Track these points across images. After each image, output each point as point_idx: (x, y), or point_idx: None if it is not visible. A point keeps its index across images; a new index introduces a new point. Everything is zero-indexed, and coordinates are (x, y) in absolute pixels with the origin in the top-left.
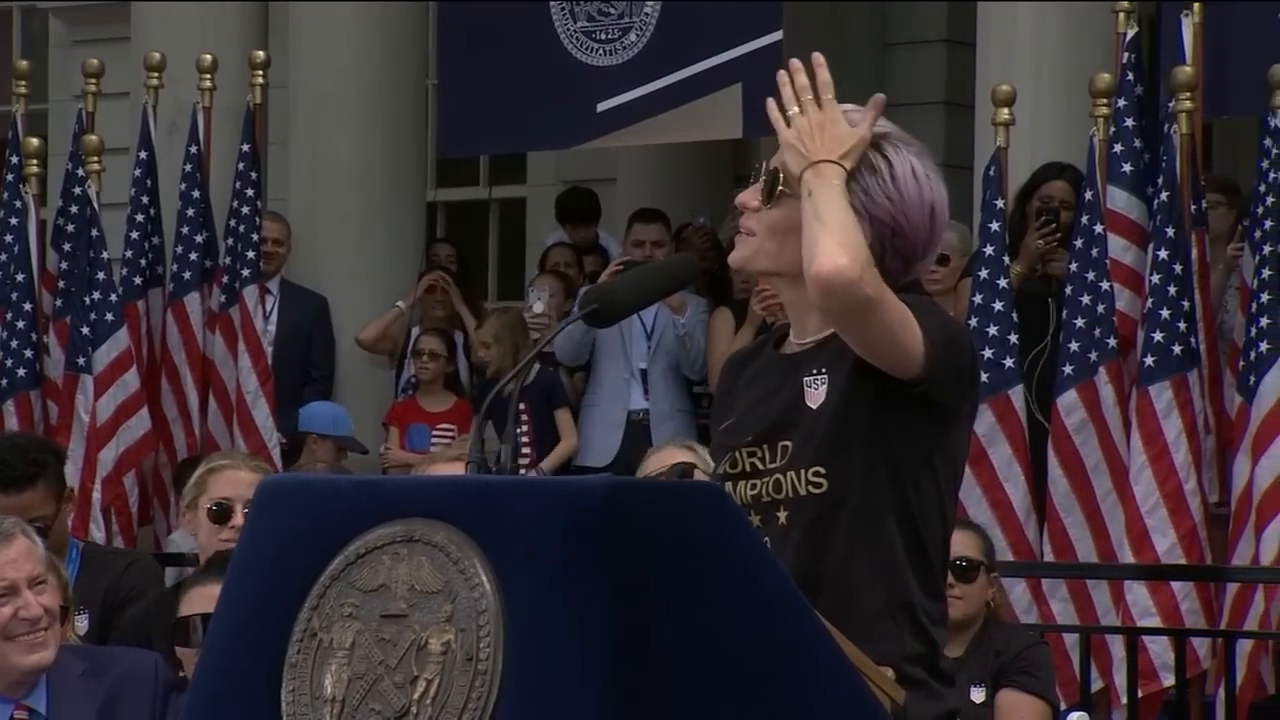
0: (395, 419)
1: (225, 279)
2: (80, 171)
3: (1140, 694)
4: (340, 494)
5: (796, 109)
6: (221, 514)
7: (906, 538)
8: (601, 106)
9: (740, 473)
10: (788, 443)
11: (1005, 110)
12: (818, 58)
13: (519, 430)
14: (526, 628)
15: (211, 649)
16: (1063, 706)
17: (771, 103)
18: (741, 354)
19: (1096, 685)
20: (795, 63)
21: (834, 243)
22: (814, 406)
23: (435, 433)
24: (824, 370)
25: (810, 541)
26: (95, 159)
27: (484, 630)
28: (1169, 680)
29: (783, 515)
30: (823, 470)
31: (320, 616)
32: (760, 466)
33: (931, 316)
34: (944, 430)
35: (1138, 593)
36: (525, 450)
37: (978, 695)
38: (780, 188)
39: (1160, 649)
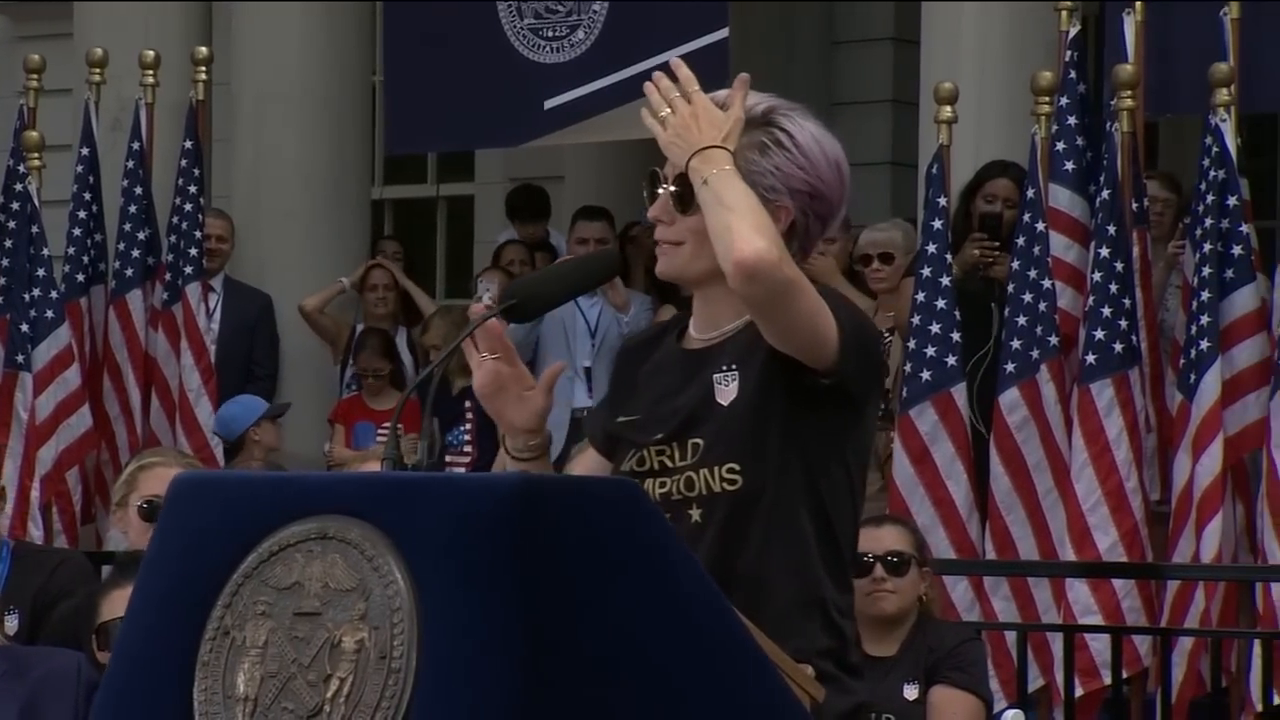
0: (340, 416)
1: (168, 276)
2: (21, 168)
3: (1081, 692)
4: (254, 490)
5: (667, 110)
6: (152, 512)
7: (819, 531)
8: (549, 104)
9: (648, 470)
10: (698, 440)
11: (948, 108)
12: (675, 61)
13: (463, 429)
14: (440, 625)
15: (123, 648)
16: (1002, 705)
17: (645, 112)
18: (636, 341)
19: (1038, 683)
20: (658, 73)
21: (748, 227)
22: (724, 404)
23: (380, 430)
24: (733, 366)
25: (725, 538)
26: (35, 155)
27: (397, 628)
28: (1109, 678)
29: (696, 513)
30: (736, 467)
31: (233, 614)
32: (669, 464)
33: (840, 306)
34: (855, 421)
35: (1079, 590)
36: (468, 448)
37: (911, 692)
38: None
39: (1101, 646)
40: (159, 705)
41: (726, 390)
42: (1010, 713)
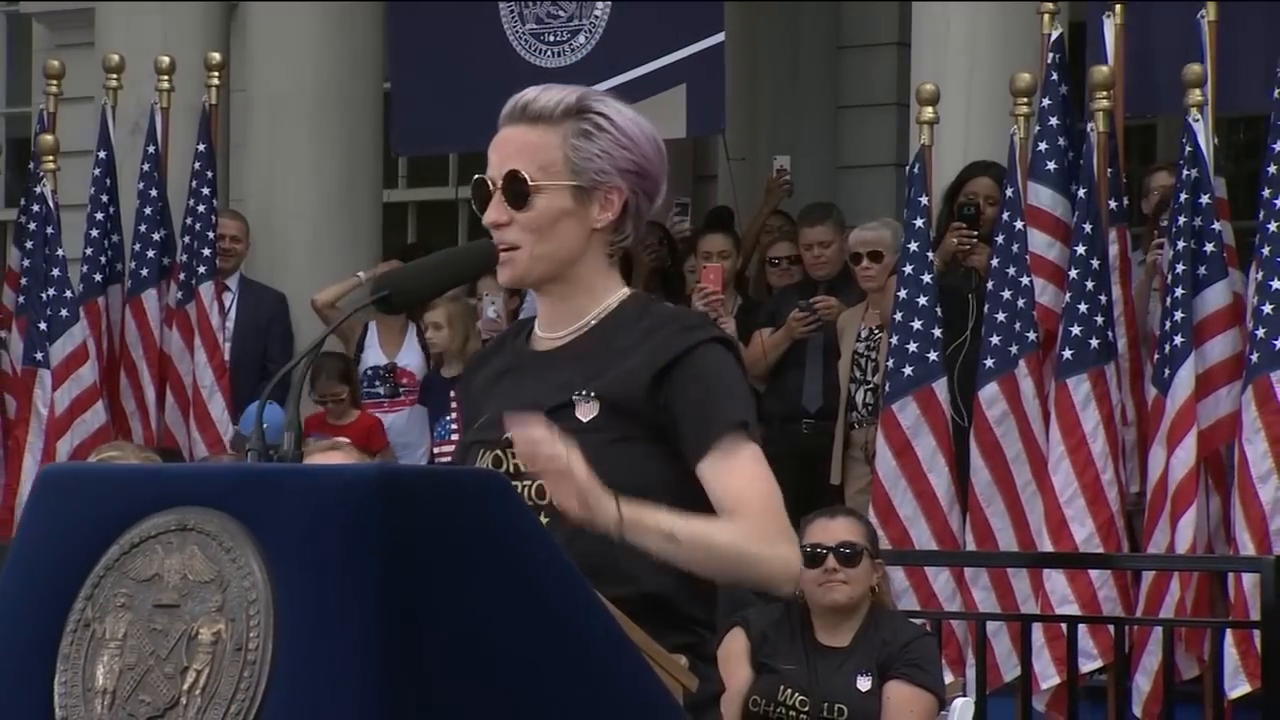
0: (306, 429)
1: (182, 276)
2: (40, 171)
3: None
4: (120, 483)
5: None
6: None
7: None
8: None
9: (504, 473)
10: None
11: (929, 109)
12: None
13: (449, 419)
14: (297, 617)
15: None
16: (960, 694)
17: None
18: (477, 359)
19: (1017, 672)
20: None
21: (747, 547)
22: (584, 420)
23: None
24: (592, 394)
25: (573, 544)
26: (50, 159)
27: (253, 620)
28: (1088, 666)
29: (544, 519)
30: None
31: (94, 607)
32: (523, 468)
33: (745, 401)
34: None
35: (1056, 580)
36: (454, 437)
37: (864, 684)
38: (530, 184)
39: (1080, 636)
40: (20, 698)
41: (586, 407)
42: (960, 701)
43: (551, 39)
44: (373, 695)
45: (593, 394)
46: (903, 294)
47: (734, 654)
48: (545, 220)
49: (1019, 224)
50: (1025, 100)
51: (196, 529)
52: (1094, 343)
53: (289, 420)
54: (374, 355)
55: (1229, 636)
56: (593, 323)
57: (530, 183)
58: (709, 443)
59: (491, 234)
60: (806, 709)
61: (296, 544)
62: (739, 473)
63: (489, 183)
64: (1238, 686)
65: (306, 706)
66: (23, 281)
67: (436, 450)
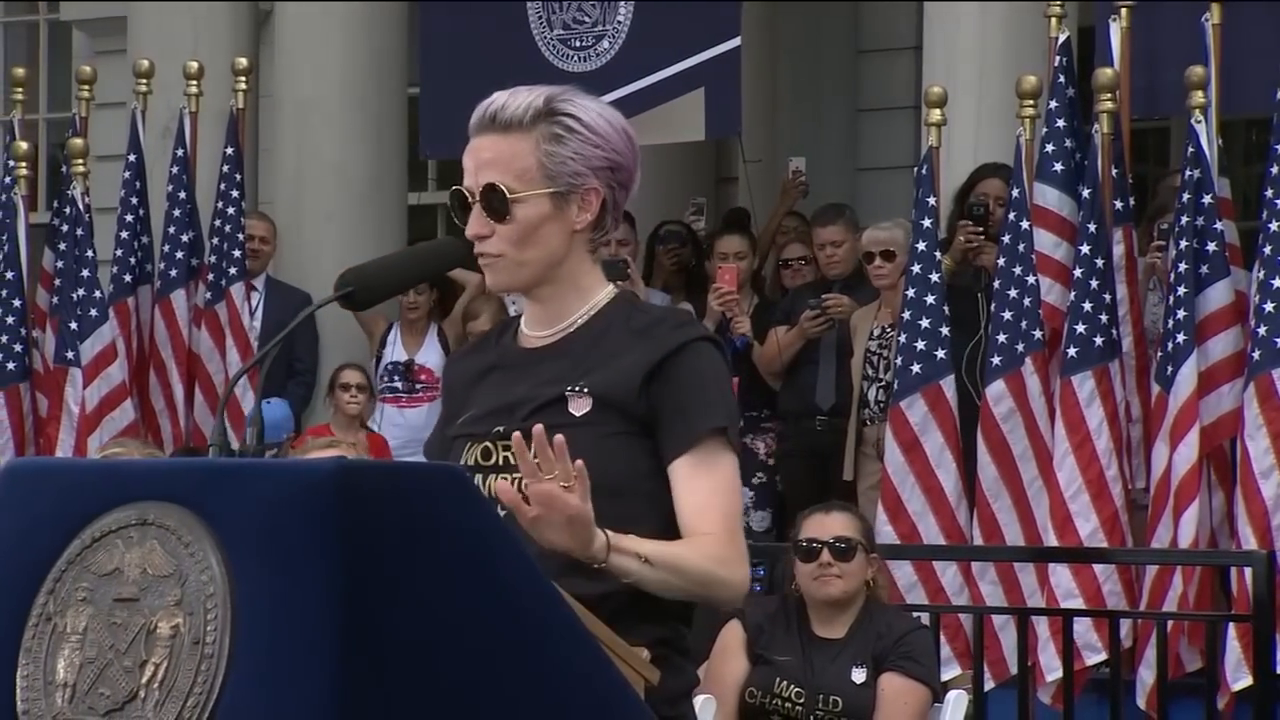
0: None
1: (210, 276)
2: (70, 174)
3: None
4: (83, 477)
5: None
6: None
7: (662, 535)
8: None
9: (493, 465)
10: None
11: (937, 111)
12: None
13: None
14: (254, 611)
15: None
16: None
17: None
18: (461, 353)
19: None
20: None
21: (715, 569)
22: (577, 414)
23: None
24: (584, 389)
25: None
26: (80, 162)
27: (211, 614)
28: (1092, 659)
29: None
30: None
31: (56, 601)
32: (513, 460)
33: (728, 406)
34: None
35: (1061, 575)
36: None
37: (859, 675)
38: (509, 197)
39: (1083, 629)
40: None
41: (580, 402)
42: (953, 693)
43: (578, 44)
44: (329, 688)
45: (585, 389)
46: (911, 293)
47: (731, 645)
48: (527, 229)
49: (1025, 224)
50: (1031, 102)
51: (156, 523)
52: (1098, 341)
53: (251, 415)
54: (395, 352)
55: (1232, 630)
56: (581, 320)
57: (509, 195)
58: (686, 445)
59: (475, 245)
60: (802, 701)
61: (255, 538)
62: (708, 484)
63: (467, 194)
64: (1241, 679)
65: (263, 699)
66: (56, 282)
67: None
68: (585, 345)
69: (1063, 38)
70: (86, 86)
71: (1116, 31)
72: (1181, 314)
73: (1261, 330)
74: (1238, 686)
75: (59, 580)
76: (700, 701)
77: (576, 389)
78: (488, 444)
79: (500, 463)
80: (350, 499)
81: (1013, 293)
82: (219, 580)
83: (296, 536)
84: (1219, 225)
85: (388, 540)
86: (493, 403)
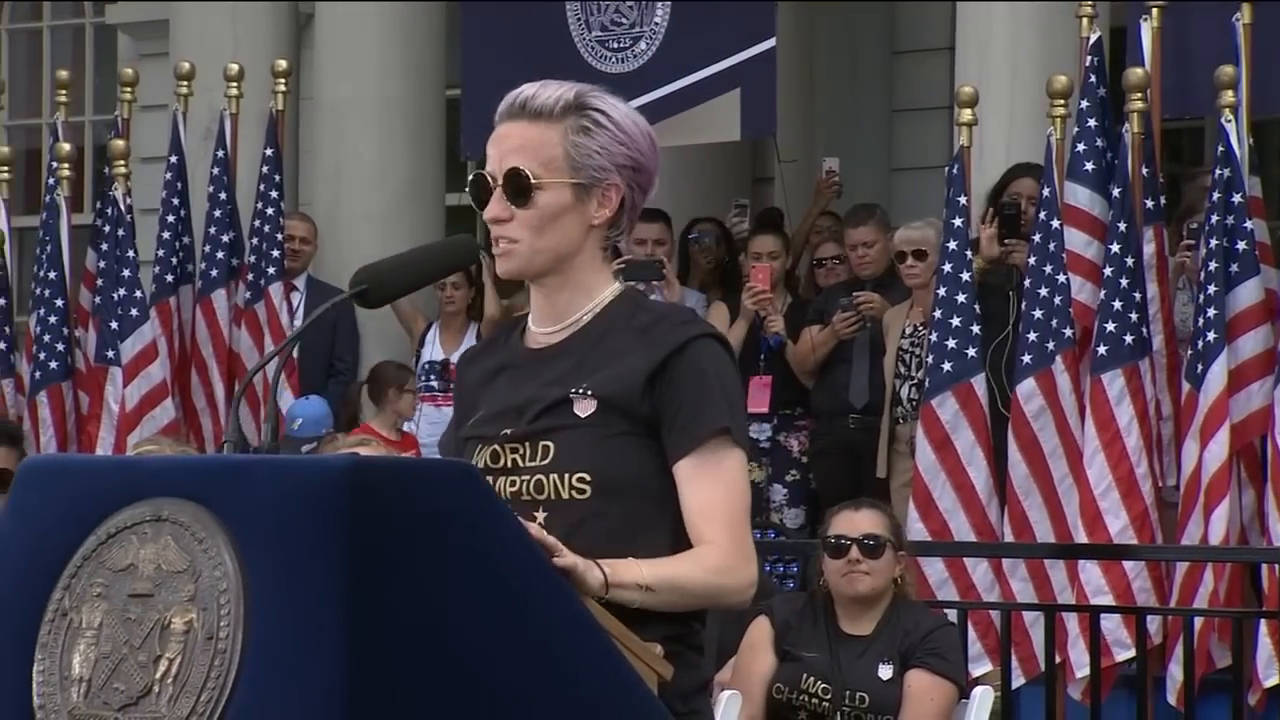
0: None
1: (250, 276)
2: (112, 175)
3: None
4: (99, 474)
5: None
6: None
7: (670, 541)
8: None
9: (502, 468)
10: (549, 444)
11: (968, 111)
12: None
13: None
14: (266, 607)
15: None
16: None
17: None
18: (473, 352)
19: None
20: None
21: (716, 580)
22: (582, 415)
23: None
24: (589, 391)
25: (568, 543)
26: (122, 163)
27: (224, 610)
28: (1122, 655)
29: (541, 516)
30: (587, 477)
31: (72, 596)
32: (520, 463)
33: (732, 403)
34: None
35: (1091, 572)
36: None
37: (885, 672)
38: (532, 182)
39: (1113, 625)
40: (0, 685)
41: (584, 404)
42: (979, 689)
43: (615, 45)
44: (338, 683)
45: (590, 391)
46: (942, 292)
47: (758, 641)
48: (546, 217)
49: (1055, 223)
50: (1062, 102)
51: (170, 519)
52: (1128, 339)
53: (268, 412)
54: (433, 351)
55: (1263, 626)
56: (586, 319)
57: (532, 180)
58: (691, 445)
59: (491, 229)
60: (829, 697)
61: (267, 534)
62: (712, 485)
63: (489, 179)
64: (1271, 676)
65: (275, 694)
66: (98, 282)
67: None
68: (590, 344)
69: (1094, 38)
70: (129, 89)
71: (1148, 31)
72: (1212, 312)
73: None
74: (1269, 683)
75: (75, 576)
76: (727, 696)
77: (581, 390)
78: (496, 447)
79: (509, 465)
80: (361, 495)
81: (1044, 291)
82: (232, 576)
83: (309, 533)
84: (1249, 224)
85: (398, 536)
86: (501, 404)
